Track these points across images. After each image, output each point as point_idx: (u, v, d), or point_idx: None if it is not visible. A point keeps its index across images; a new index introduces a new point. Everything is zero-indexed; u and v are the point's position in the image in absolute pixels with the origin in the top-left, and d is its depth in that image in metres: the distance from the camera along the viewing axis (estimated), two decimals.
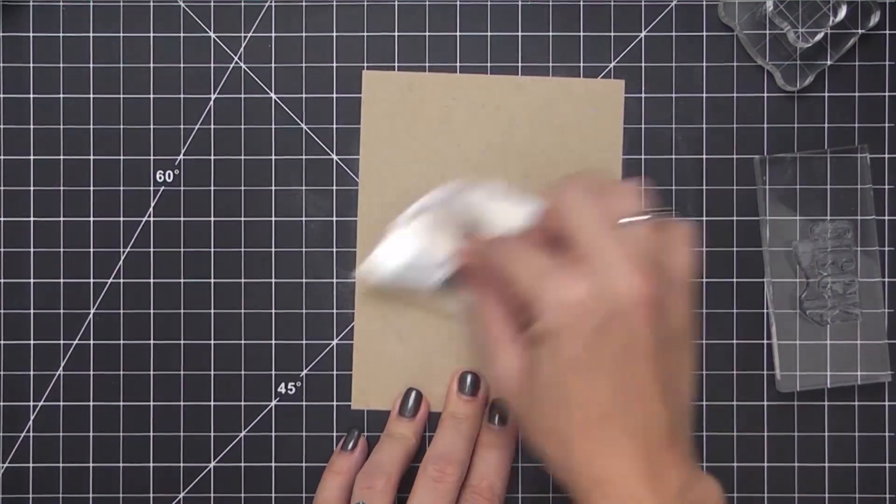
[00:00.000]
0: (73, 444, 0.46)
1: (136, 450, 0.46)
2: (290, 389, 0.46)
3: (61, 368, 0.46)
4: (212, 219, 0.46)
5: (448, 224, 0.43)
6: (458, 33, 0.46)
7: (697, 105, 0.46)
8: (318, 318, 0.46)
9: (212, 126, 0.46)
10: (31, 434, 0.46)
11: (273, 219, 0.46)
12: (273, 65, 0.46)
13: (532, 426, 0.37)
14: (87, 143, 0.46)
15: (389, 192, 0.46)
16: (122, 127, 0.46)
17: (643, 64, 0.46)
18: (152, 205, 0.46)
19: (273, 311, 0.46)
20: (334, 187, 0.46)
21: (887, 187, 0.46)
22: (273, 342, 0.46)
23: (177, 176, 0.46)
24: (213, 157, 0.46)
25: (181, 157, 0.46)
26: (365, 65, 0.46)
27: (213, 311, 0.46)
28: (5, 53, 0.46)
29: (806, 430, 0.46)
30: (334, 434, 0.46)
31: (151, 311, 0.46)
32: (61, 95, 0.46)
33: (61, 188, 0.46)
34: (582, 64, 0.46)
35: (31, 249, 0.46)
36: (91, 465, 0.46)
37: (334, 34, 0.46)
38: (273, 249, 0.46)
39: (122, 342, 0.46)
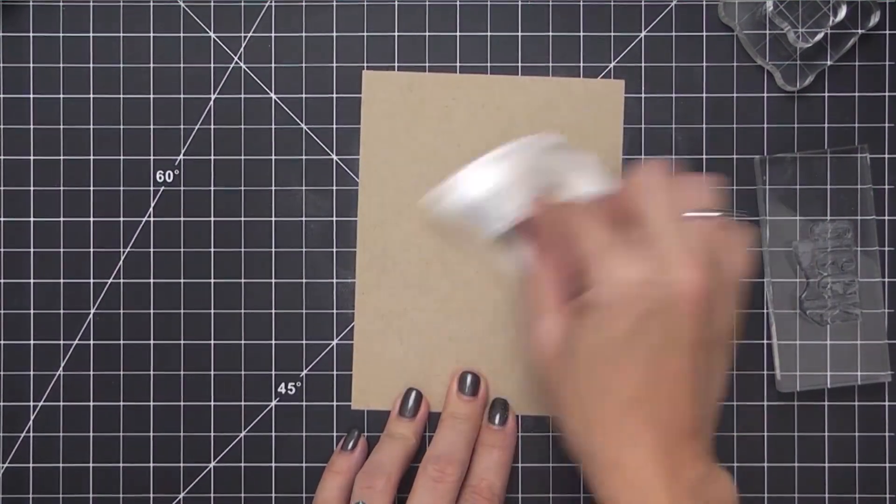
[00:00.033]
0: (73, 444, 0.46)
1: (136, 450, 0.46)
2: (290, 389, 0.46)
3: (61, 368, 0.46)
4: (212, 219, 0.46)
5: (525, 179, 0.42)
6: (458, 33, 0.46)
7: (697, 105, 0.46)
8: (318, 318, 0.46)
9: (212, 126, 0.46)
10: (31, 434, 0.46)
11: (273, 219, 0.46)
12: (273, 65, 0.46)
13: (559, 396, 0.37)
14: (87, 143, 0.46)
15: (389, 192, 0.46)
16: (122, 127, 0.46)
17: (643, 64, 0.46)
18: (152, 205, 0.46)
19: (273, 311, 0.46)
20: (334, 187, 0.46)
21: (887, 187, 0.46)
22: (273, 342, 0.46)
23: (177, 176, 0.46)
24: (213, 157, 0.46)
25: (181, 157, 0.46)
26: (365, 65, 0.46)
27: (213, 311, 0.46)
28: (5, 53, 0.46)
29: (806, 430, 0.46)
30: (334, 434, 0.46)
31: (151, 311, 0.46)
32: (61, 95, 0.46)
33: (61, 188, 0.46)
34: (582, 64, 0.46)
35: (31, 249, 0.46)
36: (91, 465, 0.46)
37: (334, 34, 0.46)
38: (273, 249, 0.46)
39: (122, 342, 0.46)
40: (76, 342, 0.46)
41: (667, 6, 0.46)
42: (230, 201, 0.46)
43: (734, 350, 0.46)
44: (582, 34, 0.46)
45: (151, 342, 0.46)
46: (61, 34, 0.46)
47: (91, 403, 0.46)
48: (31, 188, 0.46)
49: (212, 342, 0.46)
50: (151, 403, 0.46)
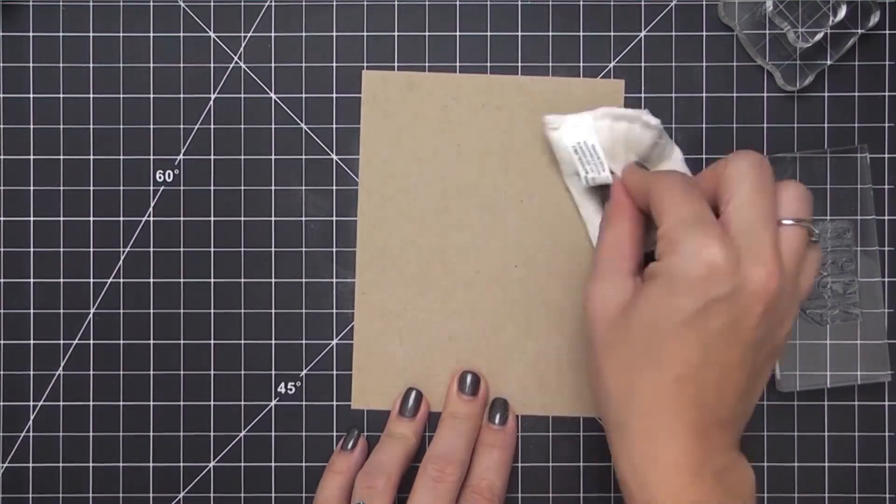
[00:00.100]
0: (73, 444, 0.46)
1: (136, 450, 0.46)
2: (290, 389, 0.46)
3: (61, 368, 0.46)
4: (212, 219, 0.46)
5: (625, 142, 0.42)
6: (457, 33, 0.46)
7: (697, 105, 0.46)
8: (318, 318, 0.46)
9: (212, 126, 0.46)
10: (31, 434, 0.46)
11: (273, 219, 0.46)
12: (273, 65, 0.46)
13: (603, 359, 0.37)
14: (87, 143, 0.46)
15: (389, 192, 0.46)
16: (122, 127, 0.46)
17: (643, 64, 0.46)
18: (152, 205, 0.46)
19: (273, 311, 0.46)
20: (334, 187, 0.46)
21: (887, 187, 0.46)
22: (273, 342, 0.46)
23: (177, 176, 0.46)
24: (213, 157, 0.46)
25: (181, 156, 0.46)
26: (365, 65, 0.46)
27: (213, 311, 0.46)
28: (5, 53, 0.46)
29: (806, 430, 0.46)
30: (334, 434, 0.46)
31: (151, 311, 0.46)
32: (61, 95, 0.46)
33: (61, 188, 0.46)
34: (582, 64, 0.46)
35: (31, 249, 0.46)
36: (91, 465, 0.46)
37: (334, 34, 0.46)
38: (273, 249, 0.46)
39: (122, 342, 0.46)
40: (76, 342, 0.46)
41: (667, 6, 0.46)
42: (230, 201, 0.46)
43: None
44: (582, 34, 0.46)
45: (151, 342, 0.46)
46: (61, 34, 0.46)
47: (91, 403, 0.46)
48: (31, 188, 0.46)
49: (212, 342, 0.46)
50: (151, 403, 0.46)
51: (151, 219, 0.46)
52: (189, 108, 0.46)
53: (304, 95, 0.46)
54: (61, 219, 0.46)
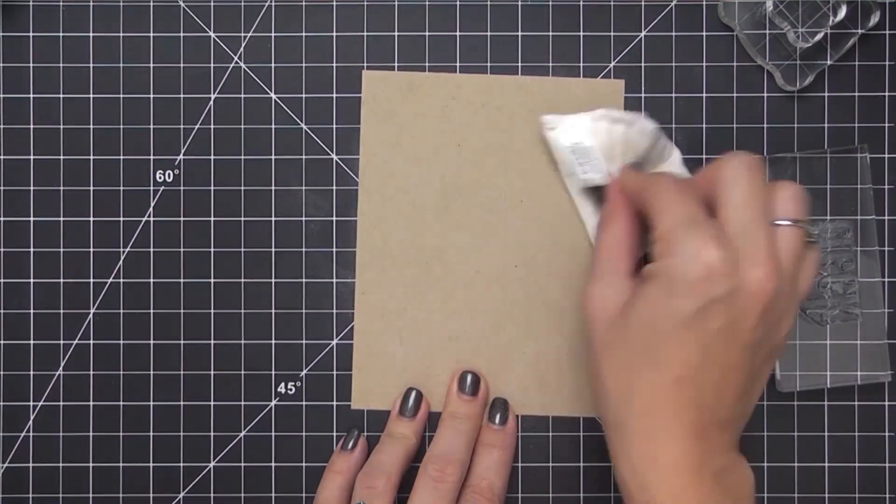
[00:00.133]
0: (73, 444, 0.46)
1: (136, 450, 0.46)
2: (290, 389, 0.46)
3: (61, 368, 0.46)
4: (212, 219, 0.46)
5: (623, 144, 0.42)
6: (457, 33, 0.46)
7: (697, 105, 0.46)
8: (317, 318, 0.46)
9: (212, 126, 0.46)
10: (31, 434, 0.46)
11: (273, 219, 0.46)
12: (273, 65, 0.46)
13: (602, 360, 0.38)
14: (87, 143, 0.46)
15: (389, 192, 0.46)
16: (122, 127, 0.46)
17: (643, 64, 0.46)
18: (152, 205, 0.46)
19: (273, 311, 0.46)
20: (334, 187, 0.46)
21: (887, 187, 0.46)
22: (273, 342, 0.46)
23: (177, 176, 0.46)
24: (213, 157, 0.46)
25: (181, 157, 0.46)
26: (365, 65, 0.46)
27: (213, 311, 0.46)
28: (5, 53, 0.46)
29: (806, 430, 0.46)
30: (334, 434, 0.46)
31: (151, 311, 0.46)
32: (61, 95, 0.46)
33: (61, 188, 0.46)
34: (582, 64, 0.46)
35: (31, 249, 0.46)
36: (91, 465, 0.46)
37: (334, 34, 0.46)
38: (273, 249, 0.46)
39: (122, 342, 0.46)
40: (76, 342, 0.46)
41: (667, 6, 0.46)
42: (230, 201, 0.46)
43: None
44: (582, 34, 0.46)
45: (151, 342, 0.46)
46: (61, 34, 0.46)
47: (91, 403, 0.46)
48: (31, 188, 0.46)
49: (212, 342, 0.46)
50: (151, 403, 0.46)
51: (151, 219, 0.46)
52: (189, 108, 0.46)
53: (304, 95, 0.46)
54: (61, 219, 0.46)
